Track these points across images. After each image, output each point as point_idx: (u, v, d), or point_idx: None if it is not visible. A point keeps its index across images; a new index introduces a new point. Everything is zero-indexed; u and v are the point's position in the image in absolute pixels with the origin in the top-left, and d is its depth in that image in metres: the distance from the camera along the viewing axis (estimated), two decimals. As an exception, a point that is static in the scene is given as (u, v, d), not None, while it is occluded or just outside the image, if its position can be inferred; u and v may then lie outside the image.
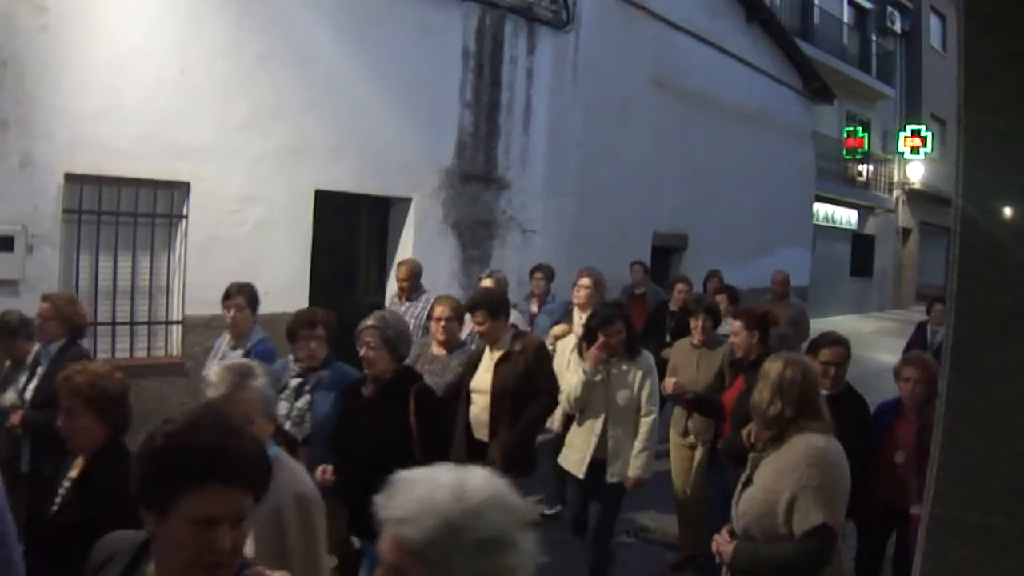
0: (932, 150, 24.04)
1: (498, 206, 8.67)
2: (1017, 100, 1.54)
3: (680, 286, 8.41)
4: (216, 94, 6.28)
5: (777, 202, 13.91)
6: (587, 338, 4.82)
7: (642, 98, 10.50)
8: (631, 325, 4.88)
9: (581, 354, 4.85)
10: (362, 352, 4.03)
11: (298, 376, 4.49)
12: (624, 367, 4.77)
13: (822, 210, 20.24)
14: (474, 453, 4.68)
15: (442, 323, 5.22)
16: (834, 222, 21.96)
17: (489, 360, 4.84)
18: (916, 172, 24.68)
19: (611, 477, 4.68)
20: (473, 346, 6.13)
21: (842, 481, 2.97)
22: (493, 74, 8.49)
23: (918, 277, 26.80)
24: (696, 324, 5.58)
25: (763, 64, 13.07)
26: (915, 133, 23.73)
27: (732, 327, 4.94)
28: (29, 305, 5.40)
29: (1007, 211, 1.56)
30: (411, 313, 6.45)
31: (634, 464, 4.67)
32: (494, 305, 4.84)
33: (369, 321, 4.09)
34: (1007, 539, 1.52)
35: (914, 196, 25.33)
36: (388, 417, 3.95)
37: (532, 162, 8.99)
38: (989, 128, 1.56)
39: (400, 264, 6.74)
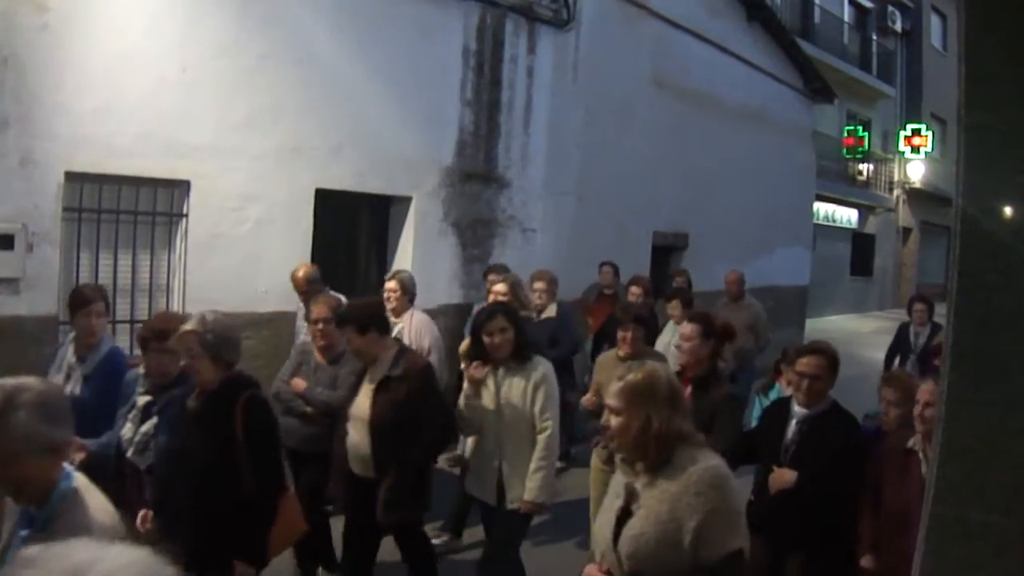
0: (932, 149, 24.05)
1: (498, 205, 8.67)
2: (1018, 99, 1.54)
3: (634, 288, 8.00)
4: (216, 93, 6.28)
5: (777, 201, 13.91)
6: (475, 343, 4.35)
7: (643, 97, 10.50)
8: (519, 324, 4.35)
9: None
10: (183, 362, 3.64)
11: (147, 394, 3.91)
12: (512, 376, 4.25)
13: (822, 209, 20.26)
14: (357, 487, 4.23)
15: (320, 326, 4.76)
16: (834, 221, 21.98)
17: (369, 384, 4.26)
18: (916, 171, 24.71)
19: (511, 503, 4.21)
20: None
21: (742, 498, 2.69)
22: (493, 73, 8.49)
23: (918, 276, 26.81)
24: (623, 335, 5.02)
25: (763, 63, 13.07)
26: (915, 132, 23.75)
27: (682, 332, 4.40)
28: (29, 304, 5.44)
29: (1007, 210, 1.56)
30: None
31: (528, 486, 4.15)
32: (364, 319, 4.21)
33: (187, 325, 3.57)
34: (1007, 538, 1.52)
35: (914, 195, 25.35)
36: (213, 434, 3.48)
37: (532, 161, 8.99)
38: (990, 127, 1.56)
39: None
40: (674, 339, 6.97)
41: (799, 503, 3.82)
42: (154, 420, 3.82)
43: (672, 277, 8.92)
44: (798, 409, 4.01)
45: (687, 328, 4.47)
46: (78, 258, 5.89)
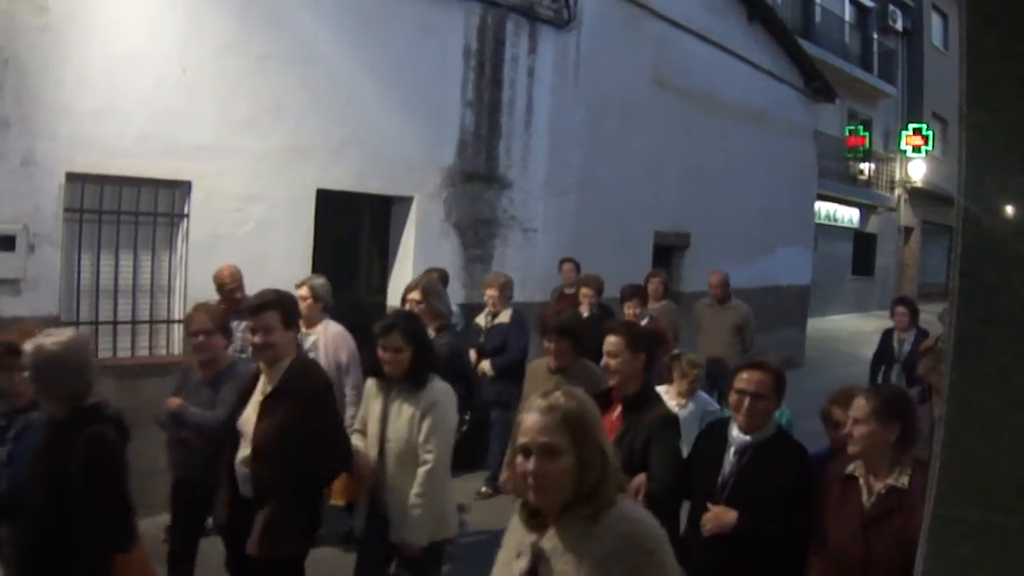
0: (933, 148, 24.05)
1: (499, 205, 8.67)
2: (1020, 98, 1.53)
3: (585, 290, 7.55)
4: (217, 93, 6.28)
5: (779, 201, 13.91)
6: (372, 355, 3.97)
7: (643, 97, 10.50)
8: (421, 344, 3.88)
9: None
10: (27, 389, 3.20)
11: (1, 416, 3.55)
12: (402, 401, 3.84)
13: (824, 209, 20.26)
14: (242, 511, 3.69)
15: (200, 339, 4.15)
16: (836, 221, 21.99)
17: (258, 396, 3.74)
18: (918, 171, 24.71)
19: (393, 536, 3.84)
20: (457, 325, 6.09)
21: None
22: (494, 73, 8.49)
23: (920, 276, 26.83)
24: (547, 347, 4.49)
25: (764, 63, 13.07)
26: (917, 132, 23.75)
27: (606, 345, 3.74)
28: (30, 305, 5.44)
29: (1009, 209, 1.56)
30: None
31: (406, 526, 3.76)
32: (292, 310, 3.84)
33: (25, 346, 3.09)
34: (1009, 537, 1.52)
35: (916, 195, 25.35)
36: (44, 475, 2.99)
37: (533, 161, 8.99)
38: (991, 126, 1.56)
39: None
40: None
41: (738, 548, 3.29)
42: (7, 447, 3.45)
43: (648, 278, 8.40)
44: (737, 435, 3.45)
45: (610, 341, 3.76)
46: (79, 259, 5.89)
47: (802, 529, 3.24)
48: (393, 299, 7.96)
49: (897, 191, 24.99)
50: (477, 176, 8.40)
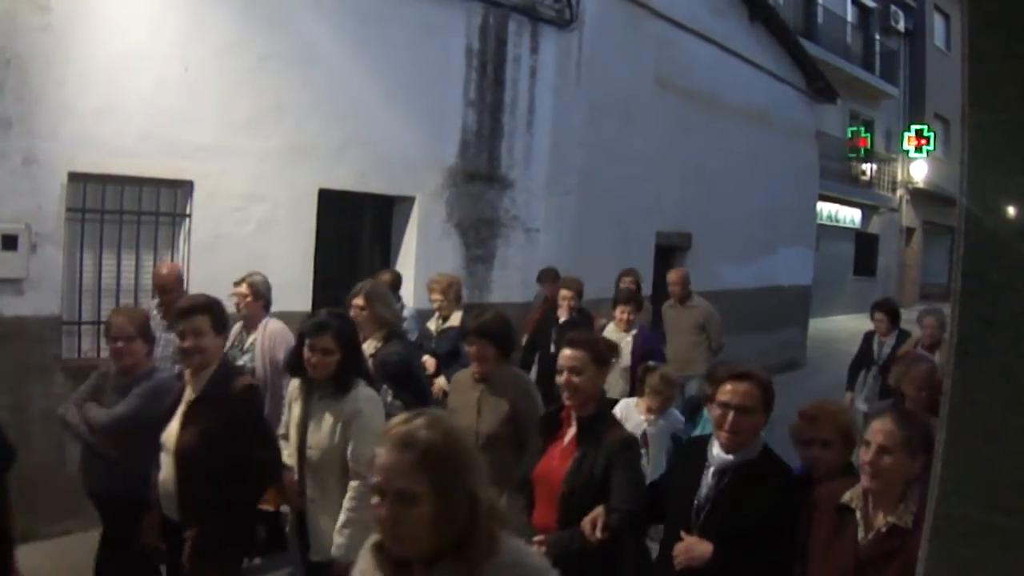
0: (935, 149, 24.05)
1: (501, 205, 8.67)
2: (1021, 98, 1.53)
3: (564, 292, 7.20)
4: (219, 93, 6.28)
5: (780, 201, 13.90)
6: (295, 352, 3.76)
7: (645, 97, 10.49)
8: (351, 350, 3.66)
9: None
10: None
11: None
12: (325, 407, 3.59)
13: (826, 209, 20.27)
14: (171, 534, 3.52)
15: (119, 344, 3.93)
16: (838, 221, 21.99)
17: (183, 406, 3.56)
18: (919, 171, 24.72)
19: (313, 554, 3.63)
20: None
21: None
22: (496, 73, 8.49)
23: (921, 276, 26.85)
24: (470, 350, 4.02)
25: (766, 63, 13.06)
26: (918, 132, 23.75)
27: (566, 359, 3.32)
28: (33, 305, 5.44)
29: (1012, 210, 1.56)
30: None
31: (335, 540, 3.48)
32: (222, 315, 3.67)
33: None
34: (1011, 538, 1.52)
35: (917, 195, 25.36)
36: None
37: (535, 161, 8.99)
38: (993, 126, 1.56)
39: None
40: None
41: None
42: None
43: (620, 277, 8.12)
44: (717, 454, 3.03)
45: (570, 356, 3.31)
46: (81, 258, 5.90)
47: (786, 566, 2.87)
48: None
49: (899, 192, 24.99)
50: (479, 176, 8.40)
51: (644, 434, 5.00)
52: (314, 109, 6.88)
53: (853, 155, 22.18)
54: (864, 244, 23.87)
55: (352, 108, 7.15)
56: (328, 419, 3.55)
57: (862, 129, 22.38)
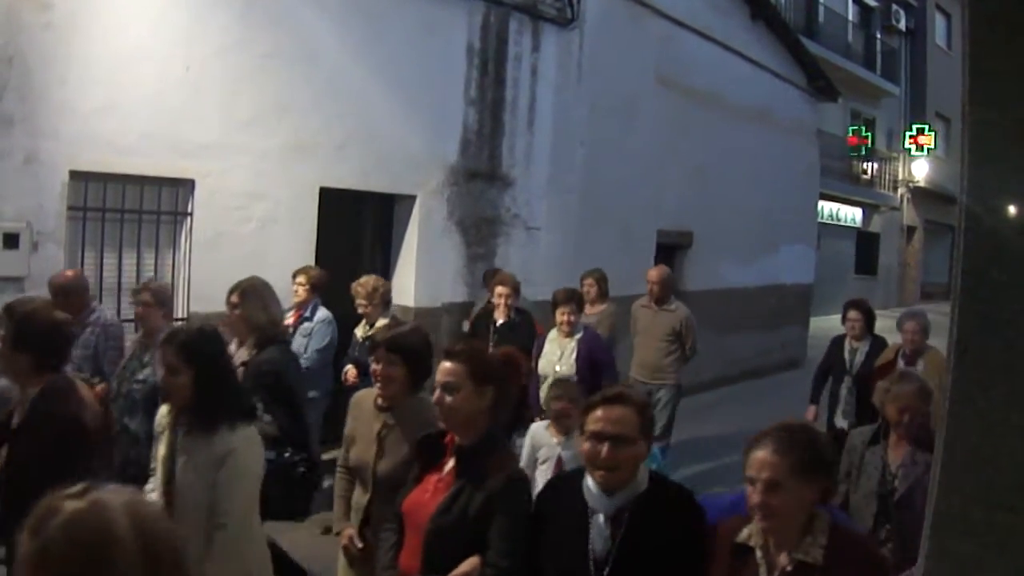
0: (936, 148, 24.05)
1: (502, 203, 8.67)
2: (1022, 96, 1.53)
3: (500, 289, 6.57)
4: (221, 91, 6.29)
5: (781, 200, 13.90)
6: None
7: (647, 96, 10.49)
8: (206, 372, 3.05)
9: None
10: None
11: None
12: (193, 444, 3.03)
13: (827, 208, 20.27)
14: None
15: None
16: (839, 220, 22.00)
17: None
18: (921, 170, 24.71)
19: None
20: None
21: None
22: (498, 71, 8.50)
23: (922, 275, 26.85)
24: (375, 369, 3.32)
25: (768, 62, 13.06)
26: (920, 131, 23.75)
27: (441, 373, 2.83)
28: (34, 302, 5.45)
29: (1012, 208, 1.56)
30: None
31: None
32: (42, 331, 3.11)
33: None
34: (1011, 535, 1.52)
35: (919, 194, 25.36)
36: None
37: (536, 159, 8.99)
38: (994, 125, 1.56)
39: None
40: (557, 360, 6.06)
41: None
42: None
43: (582, 280, 7.49)
44: (599, 495, 2.54)
45: (444, 370, 2.82)
46: (83, 257, 5.90)
47: None
48: (396, 297, 7.97)
49: (900, 190, 24.99)
50: (480, 174, 8.41)
51: (559, 460, 4.45)
52: (315, 107, 6.88)
53: (854, 154, 22.17)
54: (865, 243, 23.86)
55: (353, 106, 7.15)
56: (196, 458, 3.00)
57: (863, 128, 22.37)
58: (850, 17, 22.34)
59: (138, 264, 6.19)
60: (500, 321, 6.51)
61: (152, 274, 6.26)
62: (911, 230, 26.25)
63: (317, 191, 6.98)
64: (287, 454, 4.05)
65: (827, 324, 18.51)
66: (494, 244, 8.62)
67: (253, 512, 3.13)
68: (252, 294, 4.42)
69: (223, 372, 3.16)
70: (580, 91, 9.44)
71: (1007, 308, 1.55)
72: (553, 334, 6.18)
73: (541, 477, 4.34)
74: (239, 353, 4.23)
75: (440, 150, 8.00)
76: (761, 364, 13.28)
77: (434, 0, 7.77)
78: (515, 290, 6.61)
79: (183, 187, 6.30)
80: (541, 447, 4.58)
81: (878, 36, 23.41)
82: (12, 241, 5.34)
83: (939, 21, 26.05)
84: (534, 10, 8.78)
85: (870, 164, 23.06)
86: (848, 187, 21.29)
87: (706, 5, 11.49)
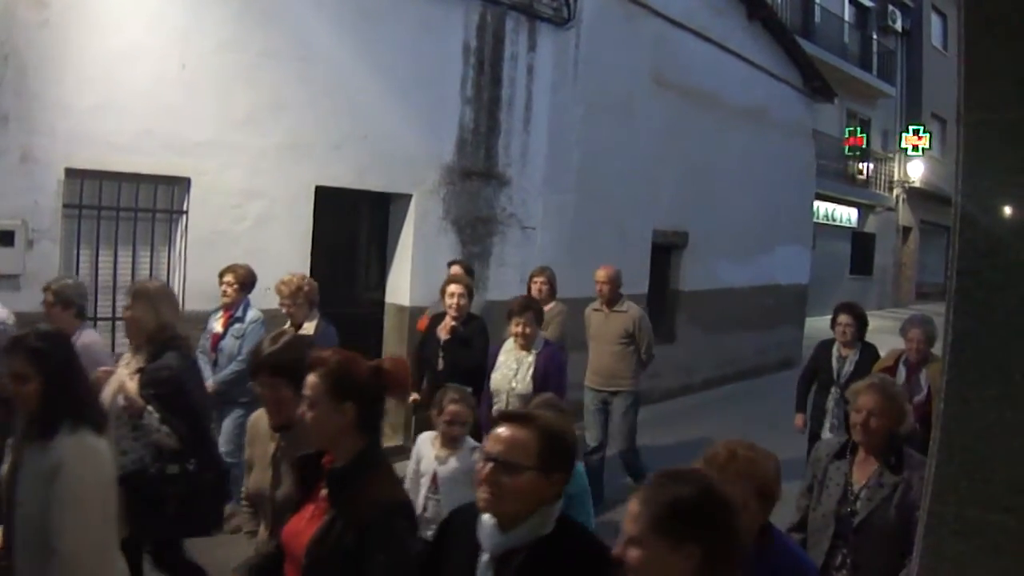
0: (932, 148, 24.10)
1: (498, 203, 8.67)
2: (1018, 98, 1.54)
3: (453, 288, 5.98)
4: (217, 90, 6.28)
5: (777, 200, 13.91)
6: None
7: (643, 95, 10.50)
8: (55, 369, 2.80)
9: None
10: None
11: None
12: (30, 455, 2.77)
13: (822, 208, 20.28)
14: None
15: None
16: (834, 220, 22.01)
17: None
18: (916, 171, 24.75)
19: None
20: None
21: None
22: (494, 71, 8.49)
23: (918, 275, 26.90)
24: (265, 394, 2.87)
25: (764, 62, 13.07)
26: (915, 132, 23.79)
27: (304, 387, 2.46)
28: (29, 300, 5.44)
29: (1007, 209, 1.57)
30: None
31: None
32: None
33: None
34: (1005, 536, 1.52)
35: (914, 194, 25.39)
36: None
37: (532, 159, 8.99)
38: (990, 125, 1.57)
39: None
40: (513, 376, 5.54)
41: None
42: None
43: (532, 277, 7.11)
44: (492, 532, 2.19)
45: (307, 383, 2.46)
46: (78, 255, 5.90)
47: None
48: (392, 296, 7.98)
49: (896, 191, 25.02)
50: (476, 173, 8.40)
51: (434, 477, 4.04)
52: (311, 106, 6.88)
53: (850, 154, 22.20)
54: (861, 243, 23.89)
55: (349, 105, 7.15)
56: (33, 471, 2.72)
57: (859, 128, 22.40)
58: (846, 17, 22.36)
59: (133, 262, 6.18)
60: (444, 338, 5.99)
61: (148, 272, 6.25)
62: (907, 230, 26.28)
63: (313, 190, 6.98)
64: (191, 466, 3.90)
65: (823, 324, 18.48)
66: (490, 243, 8.61)
67: (102, 537, 2.78)
68: (143, 297, 4.14)
69: (73, 379, 2.89)
70: (576, 91, 9.44)
71: (1002, 308, 1.55)
72: (509, 345, 5.64)
73: (421, 496, 4.01)
74: (134, 359, 4.02)
75: (436, 149, 8.00)
76: (756, 364, 13.30)
77: (431, -1, 7.78)
78: (468, 290, 6.05)
79: (179, 185, 6.29)
80: (421, 459, 4.13)
81: (874, 37, 23.44)
82: (7, 239, 5.34)
83: (935, 22, 26.09)
84: (530, 10, 8.78)
85: (866, 164, 23.08)
86: (844, 187, 21.31)
87: (702, 5, 11.50)
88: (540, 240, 9.11)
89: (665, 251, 11.49)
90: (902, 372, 5.67)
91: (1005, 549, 1.53)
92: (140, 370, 3.95)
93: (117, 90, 5.74)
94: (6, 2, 5.22)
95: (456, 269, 6.88)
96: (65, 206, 5.68)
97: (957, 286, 1.61)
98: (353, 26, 7.11)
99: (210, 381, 5.59)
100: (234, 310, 5.85)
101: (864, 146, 22.32)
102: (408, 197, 7.86)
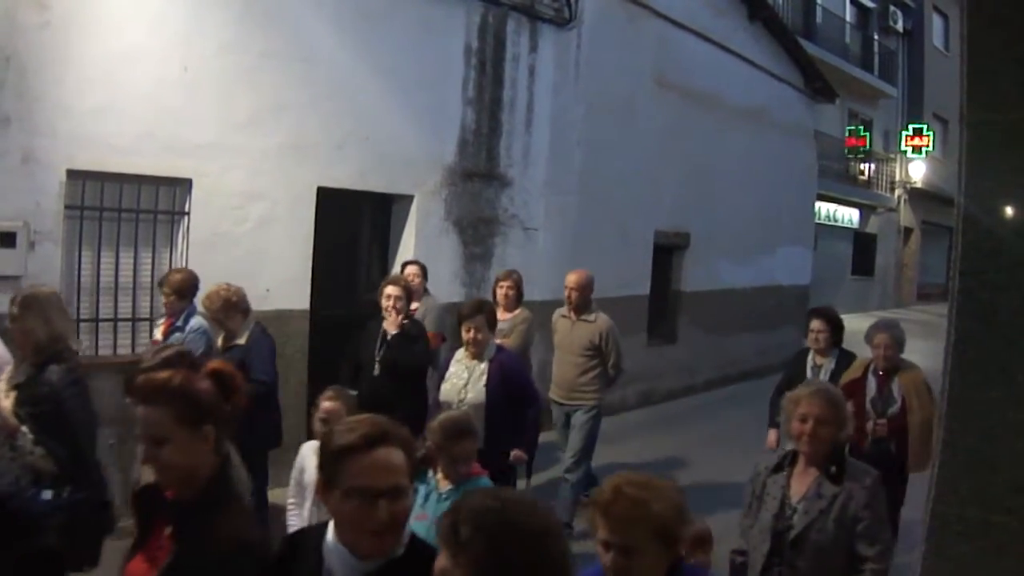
0: (933, 149, 24.09)
1: (500, 204, 8.67)
2: (1020, 98, 1.54)
3: (390, 290, 5.70)
4: (218, 91, 6.28)
5: (779, 200, 13.92)
6: None
7: (644, 96, 10.50)
8: None
9: None
10: None
11: None
12: None
13: (824, 209, 20.28)
14: None
15: None
16: (836, 221, 22.01)
17: None
18: (918, 171, 24.74)
19: None
20: None
21: None
22: (496, 71, 8.49)
23: (919, 276, 26.90)
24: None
25: (765, 63, 13.07)
26: (917, 132, 23.78)
27: (151, 429, 2.16)
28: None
29: (1009, 209, 1.56)
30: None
31: None
32: None
33: None
34: (1008, 537, 1.52)
35: (916, 195, 25.39)
36: None
37: (534, 160, 8.99)
38: (992, 126, 1.56)
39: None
40: (464, 384, 5.18)
41: None
42: None
43: (497, 281, 6.82)
44: (334, 551, 2.00)
45: (149, 419, 2.17)
46: (80, 256, 5.90)
47: None
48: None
49: (897, 191, 25.01)
50: (478, 174, 8.40)
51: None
52: (313, 107, 6.88)
53: (852, 155, 22.20)
54: (862, 244, 23.88)
55: (351, 106, 7.15)
56: None
57: (861, 129, 22.39)
58: (848, 18, 22.36)
59: (135, 263, 6.18)
60: (391, 333, 5.65)
61: (149, 273, 6.25)
62: (908, 231, 26.27)
63: (315, 191, 6.98)
64: (66, 493, 3.47)
65: (824, 325, 18.54)
66: (492, 244, 8.62)
67: None
68: (34, 305, 3.78)
69: None
70: (578, 91, 9.44)
71: (1005, 309, 1.55)
72: (460, 354, 5.31)
73: (307, 507, 3.82)
74: (16, 373, 3.70)
75: (438, 150, 8.00)
76: (758, 365, 13.30)
77: (432, 0, 7.77)
78: (407, 292, 5.77)
79: (180, 187, 6.29)
80: (306, 471, 3.86)
81: (876, 37, 23.44)
82: (9, 240, 5.33)
83: (937, 22, 26.08)
84: (532, 10, 8.78)
85: (867, 165, 23.08)
86: (845, 188, 21.31)
87: (704, 6, 11.50)
88: (542, 241, 9.11)
89: (667, 252, 11.49)
90: (872, 383, 5.29)
91: (1008, 550, 1.53)
92: (18, 386, 3.63)
93: (119, 92, 5.74)
94: (7, 4, 5.22)
95: (411, 269, 6.68)
96: (67, 207, 5.68)
97: (960, 286, 1.60)
98: (354, 27, 7.12)
99: None
100: (175, 319, 5.46)
101: (866, 147, 22.31)
102: (410, 198, 7.86)
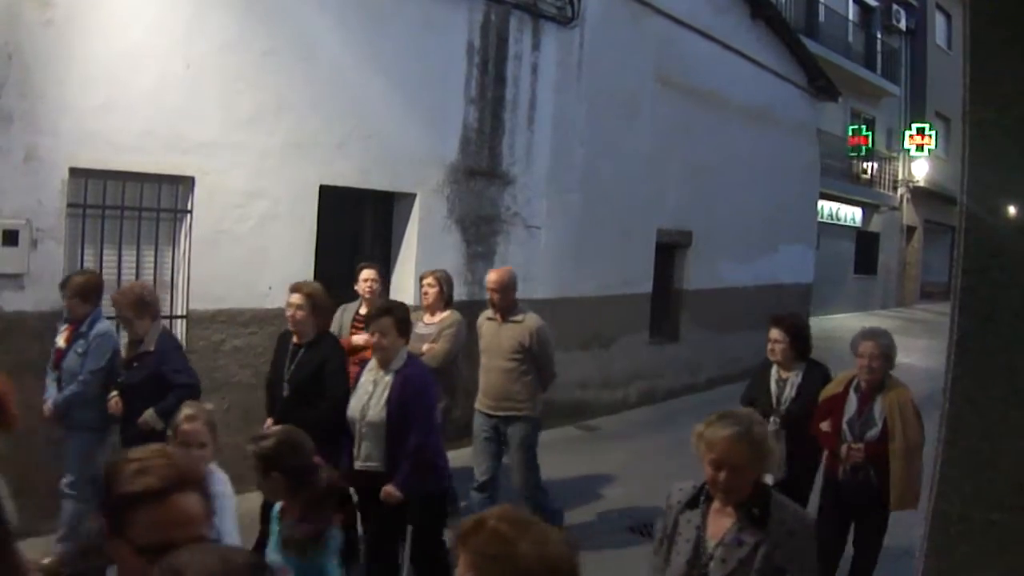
0: (936, 148, 24.08)
1: (502, 202, 8.67)
2: (1022, 96, 1.53)
3: (294, 298, 5.09)
4: (221, 89, 6.28)
5: (781, 199, 13.90)
6: None
7: (647, 94, 10.49)
8: None
9: None
10: None
11: None
12: None
13: (826, 207, 20.27)
14: None
15: None
16: (838, 220, 21.99)
17: None
18: (920, 170, 24.73)
19: None
20: None
21: None
22: (498, 70, 8.49)
23: (922, 275, 26.88)
24: None
25: (768, 61, 13.06)
26: (920, 131, 23.77)
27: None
28: (34, 299, 5.45)
29: (1012, 208, 1.56)
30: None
31: None
32: None
33: None
34: (1010, 535, 1.52)
35: (918, 194, 25.37)
36: None
37: (536, 158, 8.99)
38: (994, 124, 1.56)
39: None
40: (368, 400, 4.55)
41: None
42: None
43: (424, 280, 6.30)
44: None
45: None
46: (82, 254, 5.90)
47: None
48: (395, 296, 7.97)
49: (900, 190, 24.99)
50: (480, 172, 8.40)
51: None
52: (315, 105, 6.88)
53: (854, 153, 22.19)
54: (865, 242, 23.86)
55: (353, 104, 7.15)
56: None
57: (863, 127, 22.38)
58: (850, 17, 22.34)
59: (137, 261, 6.19)
60: (299, 343, 5.12)
61: (152, 271, 6.26)
62: (911, 230, 26.25)
63: (317, 189, 6.98)
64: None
65: (827, 324, 18.54)
66: (494, 242, 8.62)
67: None
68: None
69: None
70: (580, 90, 9.44)
71: (1007, 307, 1.55)
72: (372, 363, 4.71)
73: None
74: None
75: (440, 148, 8.00)
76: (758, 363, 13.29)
77: (434, -2, 7.78)
78: (311, 300, 5.08)
79: (183, 184, 6.29)
80: None
81: (878, 36, 23.41)
82: (11, 238, 5.33)
83: (939, 21, 26.05)
84: (534, 8, 8.77)
85: (870, 164, 23.06)
86: (848, 187, 21.29)
87: (706, 4, 11.49)
88: (544, 239, 9.11)
89: (669, 250, 11.48)
90: (853, 401, 4.73)
91: (1009, 549, 1.53)
92: None
93: (121, 90, 5.74)
94: (10, 1, 5.22)
95: (367, 273, 6.19)
96: (69, 205, 5.68)
97: (963, 285, 1.60)
98: (357, 25, 7.11)
99: (49, 403, 5.09)
100: (79, 324, 5.14)
101: (868, 145, 22.29)
102: (412, 196, 7.86)
